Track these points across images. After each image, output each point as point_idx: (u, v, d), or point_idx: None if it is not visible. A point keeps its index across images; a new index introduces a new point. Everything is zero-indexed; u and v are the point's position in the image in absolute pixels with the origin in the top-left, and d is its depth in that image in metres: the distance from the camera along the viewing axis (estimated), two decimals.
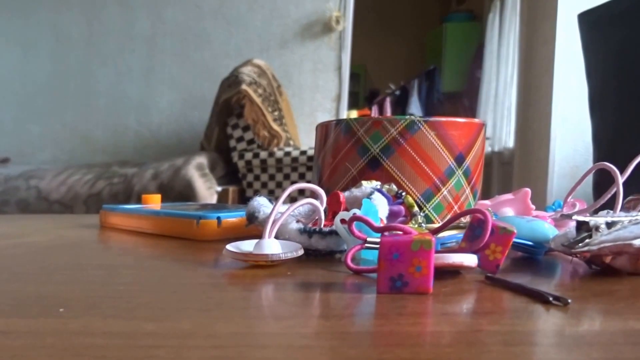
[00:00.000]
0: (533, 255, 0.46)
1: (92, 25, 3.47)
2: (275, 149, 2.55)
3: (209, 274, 0.40)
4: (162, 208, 0.73)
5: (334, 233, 0.46)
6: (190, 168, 2.36)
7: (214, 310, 0.30)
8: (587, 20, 1.78)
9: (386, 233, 0.37)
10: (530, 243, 0.44)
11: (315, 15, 3.36)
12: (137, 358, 0.22)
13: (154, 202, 0.81)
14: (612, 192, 0.45)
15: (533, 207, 0.54)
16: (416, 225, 0.54)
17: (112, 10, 3.46)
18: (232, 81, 2.60)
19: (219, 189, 2.44)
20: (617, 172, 0.43)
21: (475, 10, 5.85)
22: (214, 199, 2.35)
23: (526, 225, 0.45)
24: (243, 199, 2.60)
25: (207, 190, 2.35)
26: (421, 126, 0.60)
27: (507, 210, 0.54)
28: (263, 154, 2.55)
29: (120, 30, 3.46)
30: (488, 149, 4.89)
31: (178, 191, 2.31)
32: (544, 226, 0.45)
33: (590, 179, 2.11)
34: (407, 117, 0.60)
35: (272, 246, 0.42)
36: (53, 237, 0.64)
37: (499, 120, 4.54)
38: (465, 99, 5.51)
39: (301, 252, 0.43)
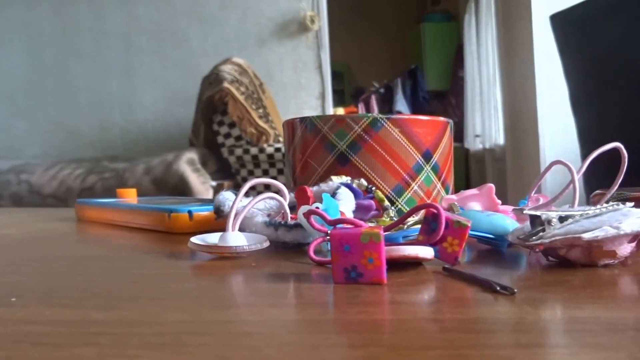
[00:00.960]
0: (497, 248, 0.47)
1: (64, 22, 3.46)
2: (265, 145, 2.56)
3: (174, 266, 0.41)
4: (139, 202, 0.73)
5: (299, 226, 0.46)
6: (182, 163, 2.37)
7: (167, 299, 0.30)
8: (560, 21, 1.79)
9: (339, 226, 0.38)
10: (490, 236, 0.45)
11: (289, 14, 3.37)
12: (75, 344, 0.22)
13: (130, 196, 0.81)
14: (572, 187, 0.45)
15: (499, 201, 0.54)
16: (387, 219, 0.55)
17: (81, 7, 3.45)
18: (213, 79, 2.61)
19: (214, 183, 2.45)
20: (573, 168, 0.44)
21: (451, 11, 5.89)
22: (209, 194, 2.36)
23: (486, 219, 0.45)
24: None
25: (202, 184, 2.36)
26: (384, 124, 0.61)
27: (474, 205, 0.55)
28: (254, 150, 2.55)
29: (92, 27, 3.46)
30: (479, 146, 4.92)
31: (173, 185, 2.32)
32: (504, 220, 0.45)
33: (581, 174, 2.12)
34: (370, 114, 0.61)
35: (237, 238, 0.43)
36: (28, 229, 0.65)
37: (487, 118, 4.56)
38: (451, 98, 5.54)
39: (267, 244, 0.44)
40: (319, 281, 0.35)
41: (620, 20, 1.54)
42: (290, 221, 0.48)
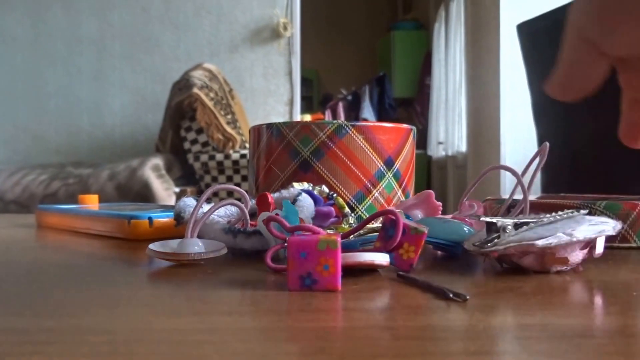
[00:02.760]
0: (452, 254, 0.47)
1: (37, 27, 3.41)
2: (231, 152, 2.55)
3: (130, 273, 0.40)
4: (100, 208, 0.72)
5: (258, 233, 0.46)
6: (147, 169, 2.35)
7: (120, 307, 0.30)
8: (526, 31, 1.82)
9: (297, 233, 0.38)
10: (446, 242, 0.46)
11: (262, 21, 3.37)
12: (23, 354, 0.22)
13: (91, 202, 0.80)
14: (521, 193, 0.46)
15: (439, 204, 0.55)
16: (347, 226, 0.55)
17: (56, 12, 3.41)
18: (183, 85, 2.60)
19: (177, 189, 2.44)
20: (519, 174, 0.45)
21: (421, 19, 5.96)
22: (172, 200, 2.34)
23: (442, 225, 0.46)
24: None
25: (165, 191, 2.34)
26: (349, 130, 0.62)
27: (416, 213, 0.55)
28: (219, 156, 2.55)
29: (66, 32, 3.41)
30: (442, 153, 4.97)
31: (136, 192, 2.30)
32: (461, 227, 0.46)
33: (537, 180, 2.16)
34: (335, 121, 0.62)
35: (194, 245, 0.43)
36: None
37: (450, 126, 4.62)
38: (417, 105, 5.59)
39: (224, 251, 0.44)
40: (274, 288, 0.35)
41: None
42: (249, 228, 0.48)
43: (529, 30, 1.82)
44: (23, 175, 2.53)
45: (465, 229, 0.46)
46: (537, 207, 0.54)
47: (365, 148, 0.62)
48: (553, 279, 0.38)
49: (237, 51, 3.39)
